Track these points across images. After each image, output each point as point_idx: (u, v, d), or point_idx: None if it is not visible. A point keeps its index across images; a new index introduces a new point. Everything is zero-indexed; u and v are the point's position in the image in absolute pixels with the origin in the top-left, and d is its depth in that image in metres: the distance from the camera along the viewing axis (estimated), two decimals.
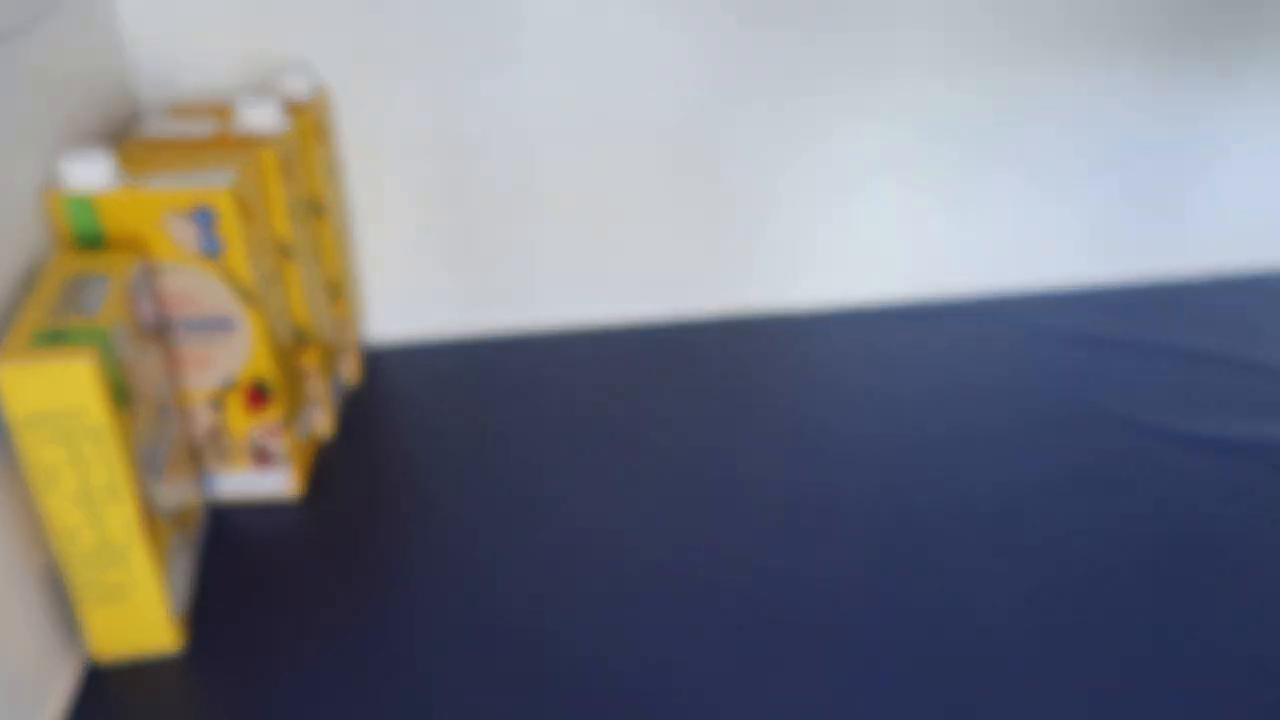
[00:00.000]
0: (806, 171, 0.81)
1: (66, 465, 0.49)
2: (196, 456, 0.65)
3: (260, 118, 0.64)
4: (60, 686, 0.53)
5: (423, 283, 0.82)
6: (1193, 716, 0.51)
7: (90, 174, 0.56)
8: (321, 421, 0.72)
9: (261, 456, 0.65)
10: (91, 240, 0.57)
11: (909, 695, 0.53)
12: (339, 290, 0.75)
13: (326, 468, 0.70)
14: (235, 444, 0.65)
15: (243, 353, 0.62)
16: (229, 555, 0.62)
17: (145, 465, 0.53)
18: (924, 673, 0.54)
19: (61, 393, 0.48)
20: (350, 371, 0.78)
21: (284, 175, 0.63)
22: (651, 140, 0.78)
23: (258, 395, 0.63)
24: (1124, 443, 0.70)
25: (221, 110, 0.68)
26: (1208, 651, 0.55)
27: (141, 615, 0.54)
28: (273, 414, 0.64)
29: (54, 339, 0.48)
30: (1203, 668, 0.54)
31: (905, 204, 0.83)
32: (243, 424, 0.64)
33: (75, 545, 0.52)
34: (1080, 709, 0.52)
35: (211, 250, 0.58)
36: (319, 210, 0.71)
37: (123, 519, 0.51)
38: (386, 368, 0.80)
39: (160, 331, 0.59)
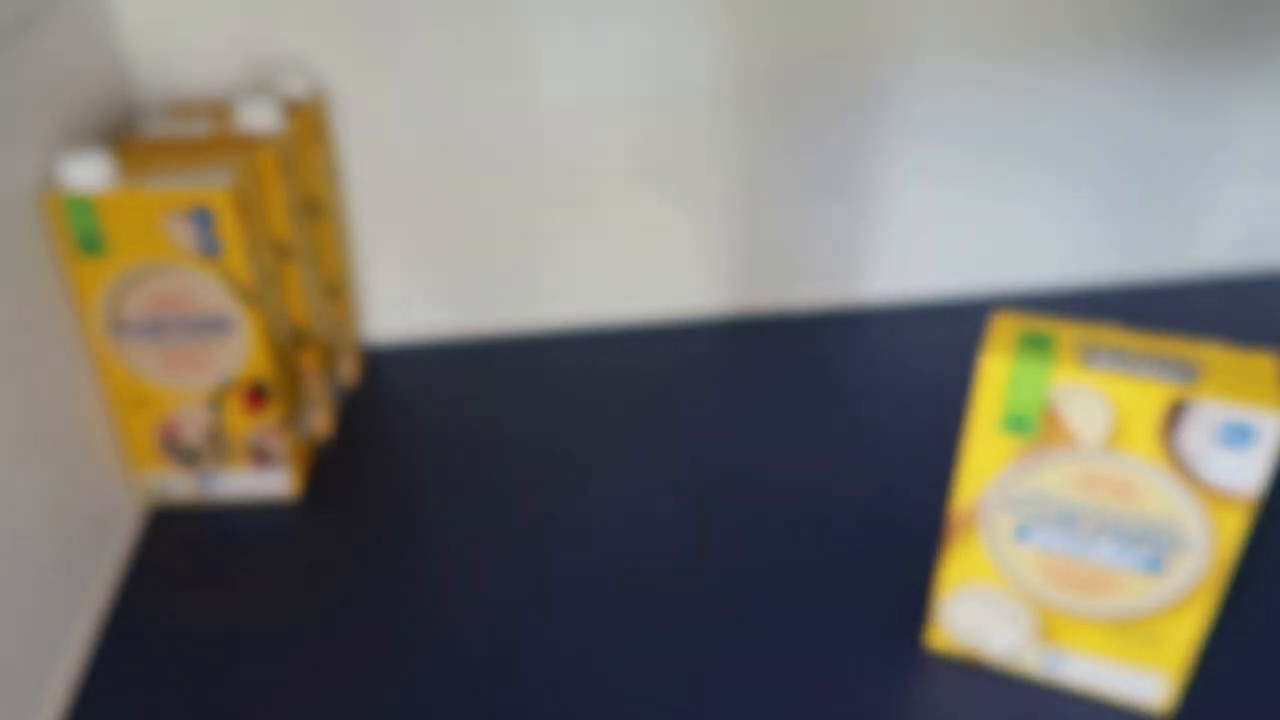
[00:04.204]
0: (807, 172, 0.81)
1: None
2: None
3: (259, 118, 0.64)
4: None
5: (422, 282, 0.82)
6: None
7: (89, 174, 0.56)
8: (320, 422, 0.72)
9: (260, 457, 0.65)
10: (91, 240, 0.57)
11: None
12: (338, 290, 0.75)
13: (325, 468, 0.70)
14: (234, 444, 0.65)
15: (241, 353, 0.62)
16: (226, 554, 0.62)
17: None
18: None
19: None
20: (349, 372, 0.78)
21: (283, 175, 0.63)
22: (653, 139, 0.78)
23: (257, 395, 0.63)
24: None
25: (220, 110, 0.68)
26: None
27: None
28: (272, 414, 0.64)
29: None
30: None
31: (908, 205, 0.83)
32: (242, 424, 0.64)
33: None
34: None
35: (210, 250, 0.58)
36: (318, 210, 0.71)
37: None
38: (385, 368, 0.80)
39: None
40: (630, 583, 0.60)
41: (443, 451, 0.71)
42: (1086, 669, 0.52)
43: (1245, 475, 0.43)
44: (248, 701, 0.53)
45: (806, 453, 0.70)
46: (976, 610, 0.52)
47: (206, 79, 0.72)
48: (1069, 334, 0.47)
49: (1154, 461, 0.45)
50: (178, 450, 0.65)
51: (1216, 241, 0.89)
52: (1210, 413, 0.43)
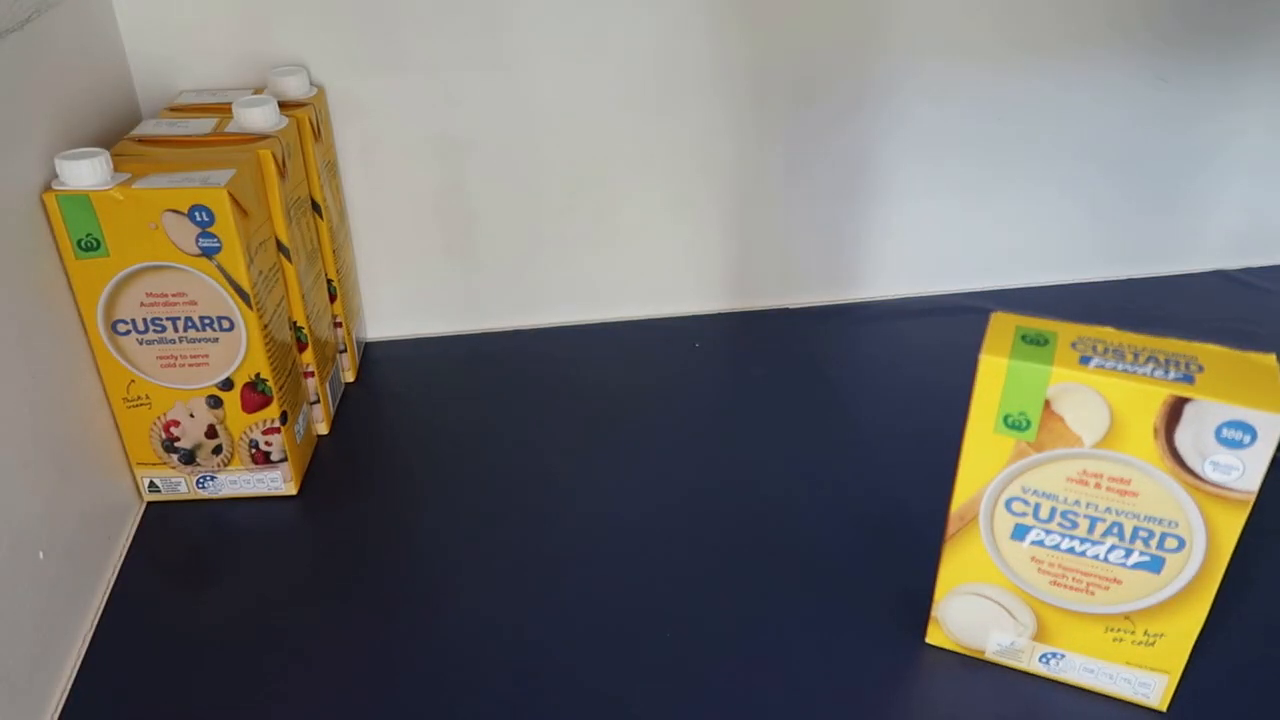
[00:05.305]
0: (806, 174, 0.81)
1: None
2: None
3: (257, 117, 0.64)
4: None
5: (419, 281, 0.82)
6: None
7: (88, 173, 0.56)
8: (319, 420, 0.72)
9: (259, 455, 0.65)
10: (90, 239, 0.57)
11: None
12: (336, 289, 0.75)
13: (323, 467, 0.70)
14: (233, 443, 0.65)
15: (240, 352, 0.62)
16: (225, 553, 0.62)
17: None
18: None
19: None
20: (347, 370, 0.78)
21: (281, 175, 0.63)
22: (652, 139, 0.78)
23: (255, 394, 0.63)
24: None
25: (219, 109, 0.68)
26: None
27: None
28: (270, 413, 0.64)
29: None
30: None
31: (908, 205, 0.83)
32: (240, 423, 0.64)
33: None
34: None
35: (209, 249, 0.58)
36: (316, 209, 0.71)
37: None
38: (383, 366, 0.80)
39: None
40: (629, 581, 0.60)
41: (440, 450, 0.71)
42: (1084, 666, 0.52)
43: (1243, 474, 0.44)
44: (246, 699, 0.53)
45: (806, 451, 0.70)
46: (975, 608, 0.53)
47: (206, 79, 0.72)
48: (1067, 333, 0.47)
49: (1151, 460, 0.45)
50: (176, 449, 0.65)
51: (1214, 241, 0.89)
52: (1208, 412, 0.43)
